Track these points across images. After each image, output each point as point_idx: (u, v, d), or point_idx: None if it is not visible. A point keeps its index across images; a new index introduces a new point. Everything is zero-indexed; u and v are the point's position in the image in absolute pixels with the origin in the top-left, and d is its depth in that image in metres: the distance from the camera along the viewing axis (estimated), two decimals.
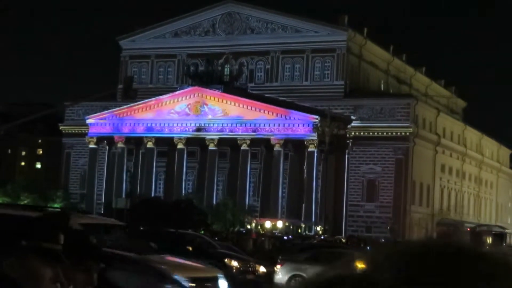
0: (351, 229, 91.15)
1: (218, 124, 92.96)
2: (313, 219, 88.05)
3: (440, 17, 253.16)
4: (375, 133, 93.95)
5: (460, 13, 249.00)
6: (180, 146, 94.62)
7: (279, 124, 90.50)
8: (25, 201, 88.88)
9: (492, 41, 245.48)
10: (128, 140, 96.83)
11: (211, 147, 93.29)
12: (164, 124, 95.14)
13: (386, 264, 1.58)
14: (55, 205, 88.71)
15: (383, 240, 69.76)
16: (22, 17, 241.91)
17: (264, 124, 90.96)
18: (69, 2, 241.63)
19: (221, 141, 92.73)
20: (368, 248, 49.08)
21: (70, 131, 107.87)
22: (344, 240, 66.51)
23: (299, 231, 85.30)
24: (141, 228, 36.30)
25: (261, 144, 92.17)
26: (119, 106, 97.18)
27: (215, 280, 19.53)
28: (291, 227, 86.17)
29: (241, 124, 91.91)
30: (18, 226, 13.56)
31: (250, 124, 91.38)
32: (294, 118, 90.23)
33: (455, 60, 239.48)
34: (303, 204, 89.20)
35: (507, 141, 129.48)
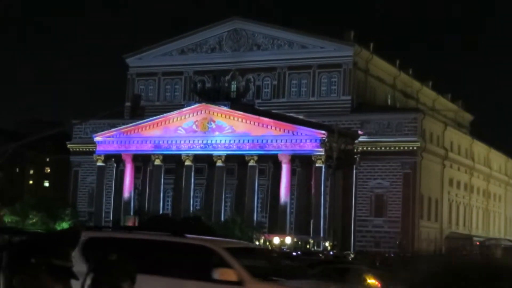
0: (359, 244, 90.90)
1: (225, 140, 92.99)
2: (322, 235, 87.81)
3: (442, 23, 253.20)
4: (383, 148, 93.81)
5: (461, 16, 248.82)
6: (187, 163, 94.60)
7: (286, 140, 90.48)
8: (33, 220, 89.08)
9: (496, 51, 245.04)
10: (136, 157, 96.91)
11: (219, 163, 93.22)
12: (172, 141, 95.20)
13: (427, 283, 1.58)
14: (64, 224, 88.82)
15: (392, 255, 69.54)
16: (22, 28, 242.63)
17: (272, 140, 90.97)
18: (69, 9, 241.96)
19: (229, 158, 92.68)
20: (377, 263, 48.95)
21: (77, 149, 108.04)
22: (352, 255, 66.38)
23: (308, 246, 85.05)
24: None
25: (269, 160, 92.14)
26: (126, 124, 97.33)
27: None
28: (299, 243, 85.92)
29: (248, 141, 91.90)
30: (149, 250, 14.38)
31: (258, 140, 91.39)
32: (301, 134, 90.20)
33: (461, 74, 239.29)
34: (312, 220, 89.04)
35: None
